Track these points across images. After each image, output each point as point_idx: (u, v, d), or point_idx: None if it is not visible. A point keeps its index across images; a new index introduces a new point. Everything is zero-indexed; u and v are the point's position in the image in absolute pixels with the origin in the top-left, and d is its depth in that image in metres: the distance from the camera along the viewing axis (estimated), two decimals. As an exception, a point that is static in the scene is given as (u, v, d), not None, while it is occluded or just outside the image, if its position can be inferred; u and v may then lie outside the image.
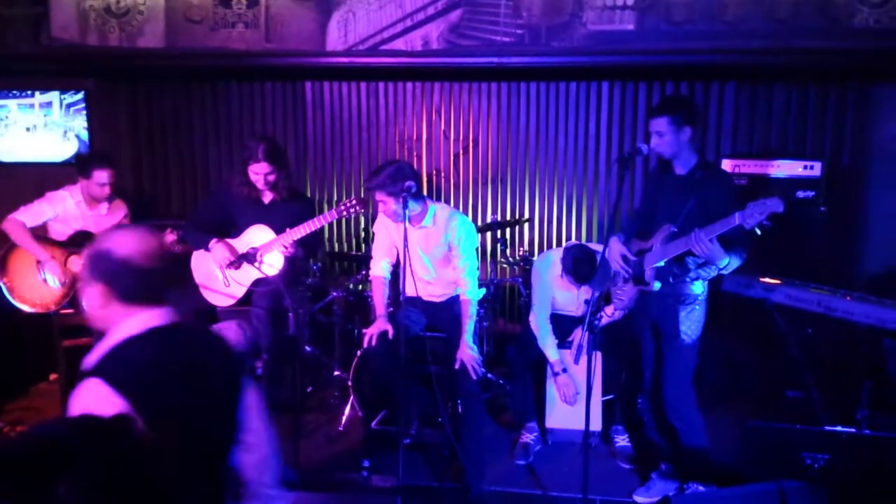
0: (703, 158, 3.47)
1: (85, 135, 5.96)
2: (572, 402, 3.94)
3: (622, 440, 4.08)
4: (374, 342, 3.74)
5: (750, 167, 4.75)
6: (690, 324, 3.39)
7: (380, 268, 4.04)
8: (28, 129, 6.09)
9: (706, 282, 3.40)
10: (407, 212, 3.55)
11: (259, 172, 4.06)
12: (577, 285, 3.94)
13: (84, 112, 5.96)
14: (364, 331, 3.89)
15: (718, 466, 3.48)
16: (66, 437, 1.16)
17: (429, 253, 3.92)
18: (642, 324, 3.63)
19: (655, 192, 3.61)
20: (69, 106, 6.02)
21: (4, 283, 4.29)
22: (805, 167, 4.63)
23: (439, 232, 3.86)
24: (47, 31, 5.39)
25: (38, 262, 4.31)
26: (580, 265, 3.80)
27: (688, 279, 3.36)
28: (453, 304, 3.98)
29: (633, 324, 3.80)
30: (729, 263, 3.19)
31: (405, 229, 3.51)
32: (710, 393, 4.10)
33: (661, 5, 4.68)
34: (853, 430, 3.30)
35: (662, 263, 3.33)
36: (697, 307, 3.39)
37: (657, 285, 3.37)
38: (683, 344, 3.40)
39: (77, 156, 4.60)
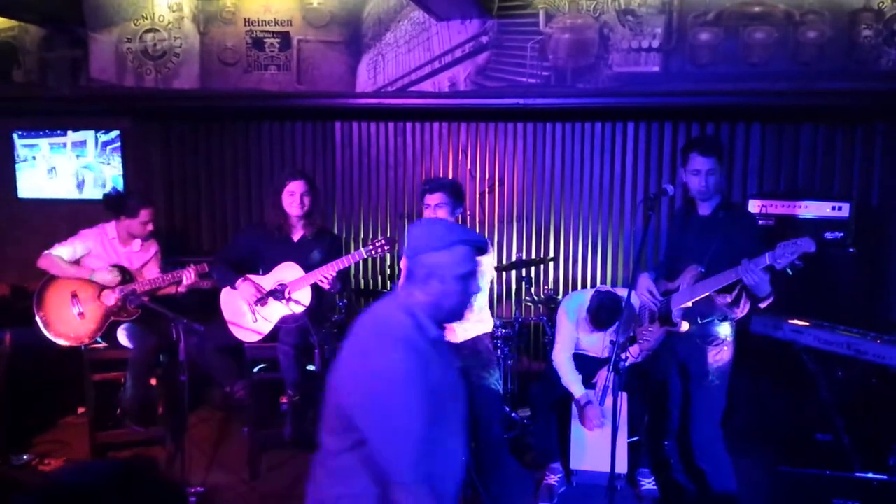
0: (725, 198, 3.48)
1: (116, 178, 6.16)
2: (599, 425, 3.91)
3: (648, 483, 4.01)
4: None
5: (777, 207, 4.73)
6: (718, 365, 3.36)
7: None
8: (51, 169, 6.27)
9: (734, 323, 3.38)
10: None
11: (296, 192, 4.17)
12: (596, 330, 3.93)
13: (119, 150, 6.16)
14: None
15: (747, 511, 3.42)
16: (93, 482, 1.13)
17: None
18: (669, 365, 3.60)
19: (680, 232, 3.61)
20: (105, 144, 6.21)
21: (41, 317, 4.38)
22: (833, 208, 4.60)
23: None
24: (86, 72, 5.58)
25: (74, 294, 4.39)
26: (600, 311, 3.81)
27: (716, 320, 3.34)
28: (473, 343, 3.97)
29: (657, 365, 3.77)
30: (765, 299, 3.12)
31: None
32: (739, 435, 4.04)
33: (686, 48, 4.73)
34: (885, 476, 3.24)
35: (690, 304, 3.32)
36: (725, 348, 3.37)
37: (685, 326, 3.36)
38: (712, 385, 3.37)
39: (118, 194, 4.71)
